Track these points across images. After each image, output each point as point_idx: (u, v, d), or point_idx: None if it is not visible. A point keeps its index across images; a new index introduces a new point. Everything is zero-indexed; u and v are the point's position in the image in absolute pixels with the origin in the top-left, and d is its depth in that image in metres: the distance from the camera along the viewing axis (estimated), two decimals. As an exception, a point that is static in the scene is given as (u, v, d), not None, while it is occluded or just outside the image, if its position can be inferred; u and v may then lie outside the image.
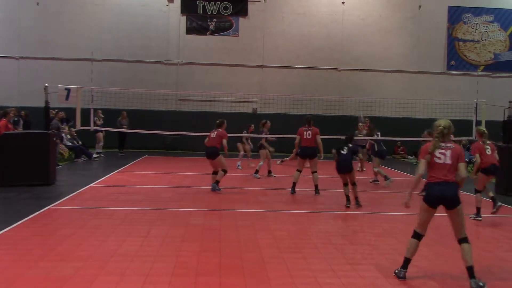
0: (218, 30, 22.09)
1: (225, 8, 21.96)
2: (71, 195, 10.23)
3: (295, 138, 11.48)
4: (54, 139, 12.21)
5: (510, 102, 13.02)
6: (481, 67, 22.99)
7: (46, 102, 12.21)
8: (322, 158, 11.74)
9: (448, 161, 5.44)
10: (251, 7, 22.11)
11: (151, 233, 7.25)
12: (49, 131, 12.06)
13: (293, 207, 9.73)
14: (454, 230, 5.57)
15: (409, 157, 21.34)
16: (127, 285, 5.14)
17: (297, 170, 11.29)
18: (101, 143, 18.52)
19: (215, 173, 11.24)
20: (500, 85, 22.41)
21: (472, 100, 16.00)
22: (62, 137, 16.50)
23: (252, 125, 15.68)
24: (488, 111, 15.57)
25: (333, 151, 9.83)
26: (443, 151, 5.49)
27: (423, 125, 12.05)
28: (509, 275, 5.91)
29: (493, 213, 9.22)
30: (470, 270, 5.29)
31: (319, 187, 11.21)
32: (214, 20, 22.02)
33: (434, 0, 22.63)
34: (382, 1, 22.64)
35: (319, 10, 22.38)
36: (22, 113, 16.29)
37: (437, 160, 5.45)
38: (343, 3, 22.37)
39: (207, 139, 11.36)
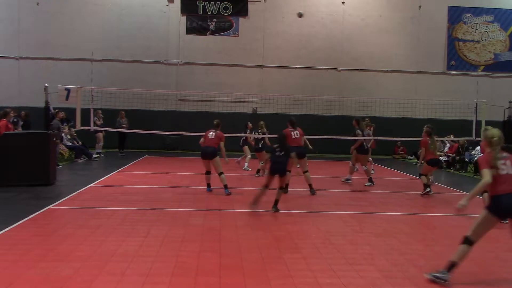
0: (218, 30, 22.09)
1: (225, 8, 21.97)
2: (71, 195, 10.22)
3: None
4: (54, 139, 12.20)
5: (510, 102, 13.04)
6: (481, 67, 22.99)
7: (46, 102, 12.24)
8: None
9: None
10: (251, 7, 22.11)
11: (151, 233, 7.25)
12: (50, 131, 12.05)
13: (292, 207, 9.72)
14: None
15: (409, 157, 21.33)
16: (127, 285, 5.14)
17: (287, 171, 11.08)
18: (101, 143, 18.52)
19: (208, 173, 11.15)
20: (500, 85, 22.40)
21: (472, 100, 16.02)
22: (62, 137, 16.50)
23: (250, 123, 15.72)
24: (488, 111, 15.58)
25: (266, 156, 9.50)
26: (503, 161, 5.37)
27: (423, 125, 12.07)
28: (510, 275, 5.91)
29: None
30: None
31: (313, 186, 11.20)
32: (214, 20, 22.03)
33: (434, 0, 22.64)
34: (382, 1, 22.64)
35: (319, 10, 22.38)
36: (22, 113, 16.29)
37: (502, 172, 5.32)
38: (343, 3, 22.37)
39: (203, 139, 11.18)
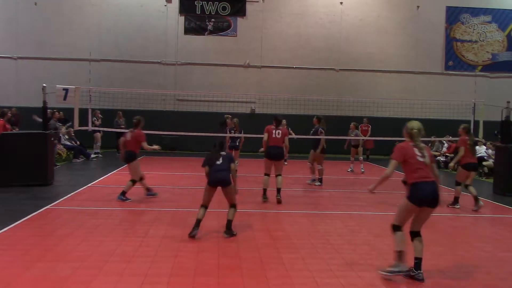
0: (217, 30, 22.08)
1: (224, 8, 21.96)
2: (69, 195, 10.21)
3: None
4: (52, 139, 12.18)
5: (508, 102, 13.04)
6: (479, 67, 23.02)
7: (44, 102, 12.19)
8: (286, 163, 11.49)
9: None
10: (249, 7, 22.10)
11: (149, 234, 7.24)
12: (47, 131, 12.03)
13: (291, 207, 9.72)
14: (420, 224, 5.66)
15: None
16: (125, 285, 5.14)
17: (265, 175, 10.30)
18: (99, 143, 18.50)
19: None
20: (498, 85, 22.45)
21: (470, 100, 16.03)
22: (60, 137, 16.47)
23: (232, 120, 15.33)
24: (486, 111, 15.60)
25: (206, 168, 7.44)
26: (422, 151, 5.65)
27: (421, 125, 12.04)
28: (508, 275, 5.92)
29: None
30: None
31: (281, 191, 10.27)
32: (213, 20, 22.02)
33: (432, 0, 22.66)
34: (380, 1, 22.65)
35: (317, 10, 22.39)
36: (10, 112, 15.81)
37: (419, 160, 5.57)
38: (341, 3, 22.38)
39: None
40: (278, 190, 10.15)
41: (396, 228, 5.56)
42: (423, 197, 5.41)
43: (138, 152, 9.93)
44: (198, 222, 7.18)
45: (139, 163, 9.96)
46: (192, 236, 7.03)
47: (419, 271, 5.48)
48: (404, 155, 5.62)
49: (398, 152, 5.68)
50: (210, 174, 7.38)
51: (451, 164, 10.82)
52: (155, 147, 10.10)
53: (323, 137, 12.51)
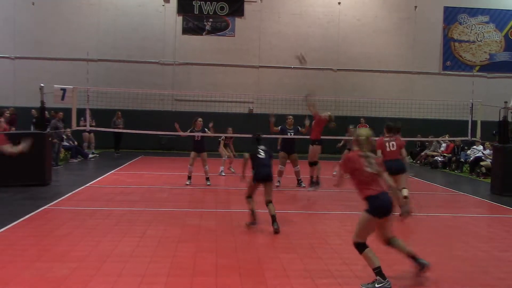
0: (214, 30, 22.07)
1: (222, 8, 21.95)
2: (67, 195, 10.20)
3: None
4: (50, 139, 12.16)
5: (505, 102, 13.07)
6: (477, 68, 23.06)
7: (42, 102, 12.16)
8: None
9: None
10: (247, 7, 22.10)
11: (147, 234, 7.24)
12: (45, 131, 12.01)
13: (289, 208, 9.73)
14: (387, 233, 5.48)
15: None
16: (123, 285, 5.14)
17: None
18: (93, 144, 18.47)
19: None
20: (496, 86, 22.47)
21: (468, 101, 16.04)
22: (63, 137, 16.44)
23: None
24: (484, 111, 15.62)
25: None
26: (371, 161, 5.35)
27: (419, 125, 12.07)
28: (505, 275, 5.93)
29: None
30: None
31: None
32: (210, 20, 22.01)
33: (430, 0, 22.69)
34: (378, 1, 22.67)
35: (315, 10, 22.40)
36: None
37: (367, 170, 5.25)
38: (339, 3, 22.39)
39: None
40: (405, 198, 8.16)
41: (361, 246, 5.25)
42: (383, 207, 5.20)
43: None
44: (253, 212, 7.82)
45: None
46: (251, 225, 7.78)
47: (423, 262, 5.53)
48: (351, 168, 5.30)
49: (344, 165, 5.36)
50: (256, 169, 7.70)
51: None
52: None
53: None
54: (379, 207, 5.18)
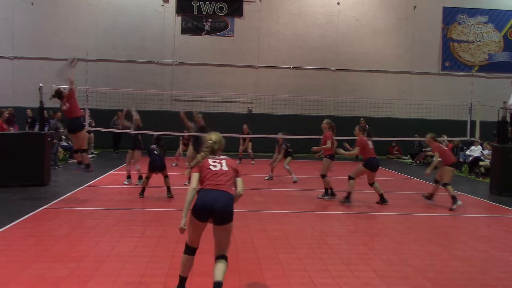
0: (214, 31, 22.07)
1: (221, 9, 21.96)
2: (66, 195, 10.20)
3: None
4: (49, 139, 12.15)
5: (504, 102, 13.08)
6: (476, 68, 23.09)
7: (41, 102, 12.15)
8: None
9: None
10: (246, 7, 22.10)
11: (146, 234, 7.24)
12: (44, 132, 12.00)
13: (288, 208, 9.73)
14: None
15: (404, 157, 21.40)
16: (122, 286, 5.13)
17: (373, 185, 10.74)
18: (92, 144, 18.44)
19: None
20: (495, 86, 22.46)
21: (467, 101, 16.07)
22: (62, 137, 16.42)
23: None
24: (483, 111, 15.63)
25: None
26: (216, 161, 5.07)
27: (417, 125, 12.09)
28: (504, 275, 5.93)
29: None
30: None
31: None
32: (210, 20, 22.01)
33: (429, 1, 22.70)
34: (376, 2, 22.69)
35: (314, 10, 22.40)
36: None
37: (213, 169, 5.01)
38: (338, 3, 22.40)
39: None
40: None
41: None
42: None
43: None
44: None
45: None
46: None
47: None
48: (199, 168, 5.04)
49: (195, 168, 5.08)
50: None
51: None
52: None
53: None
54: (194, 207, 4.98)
